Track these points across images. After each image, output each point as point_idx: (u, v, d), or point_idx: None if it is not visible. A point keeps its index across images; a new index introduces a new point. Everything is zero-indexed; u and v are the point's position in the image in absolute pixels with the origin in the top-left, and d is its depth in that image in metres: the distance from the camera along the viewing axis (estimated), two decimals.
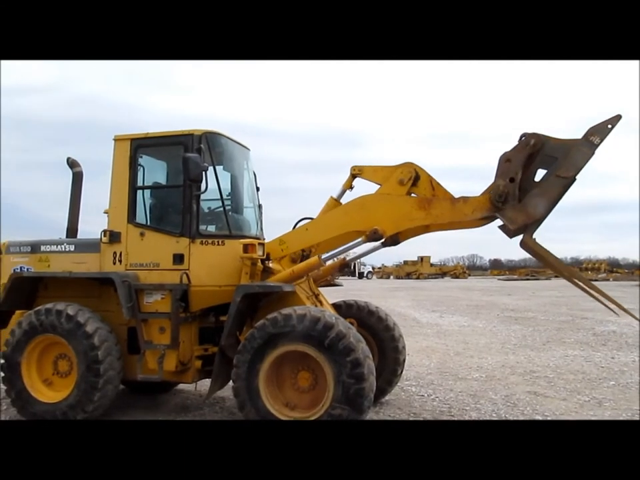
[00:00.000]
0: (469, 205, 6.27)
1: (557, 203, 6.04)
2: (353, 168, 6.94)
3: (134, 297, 6.61)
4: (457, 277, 79.01)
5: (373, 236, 6.48)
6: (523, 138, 6.03)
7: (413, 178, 6.55)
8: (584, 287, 6.35)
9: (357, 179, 7.05)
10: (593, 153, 5.85)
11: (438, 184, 6.57)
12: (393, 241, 6.79)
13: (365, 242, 6.60)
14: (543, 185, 6.01)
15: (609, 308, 6.33)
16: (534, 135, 5.97)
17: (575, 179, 5.93)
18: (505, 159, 6.05)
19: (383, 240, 6.69)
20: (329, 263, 7.17)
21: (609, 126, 5.74)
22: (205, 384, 7.22)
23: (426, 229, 6.78)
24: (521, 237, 6.22)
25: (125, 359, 6.79)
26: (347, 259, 7.27)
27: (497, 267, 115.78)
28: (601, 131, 5.77)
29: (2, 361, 6.85)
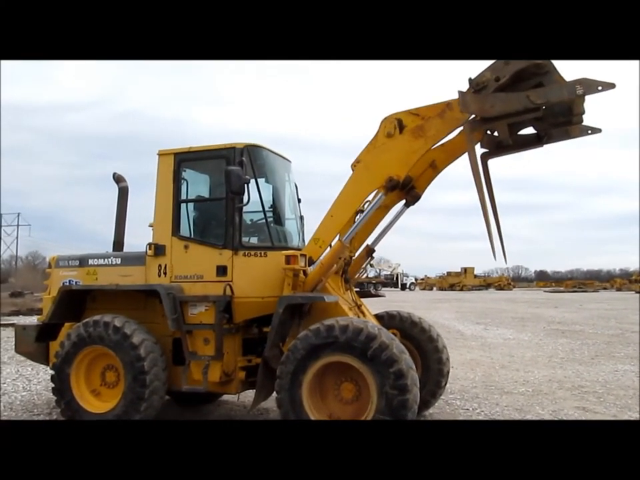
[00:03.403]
0: (455, 109, 6.28)
1: (509, 117, 6.10)
2: (353, 164, 6.87)
3: (179, 309, 6.71)
4: (502, 289, 77.91)
5: (390, 184, 6.55)
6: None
7: (396, 125, 6.58)
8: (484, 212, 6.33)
9: None
10: (569, 99, 5.86)
11: (418, 108, 6.58)
12: (413, 197, 7.21)
13: (385, 194, 6.65)
14: (511, 95, 5.99)
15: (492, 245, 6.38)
16: (547, 62, 5.90)
17: (538, 110, 5.95)
18: (505, 61, 5.98)
19: (405, 201, 7.18)
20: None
21: (599, 87, 5.65)
22: (249, 395, 7.25)
23: (434, 170, 7.07)
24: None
25: (170, 370, 6.88)
26: (369, 244, 7.57)
27: (543, 279, 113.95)
28: (588, 86, 5.70)
29: (52, 372, 7.02)
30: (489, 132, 6.57)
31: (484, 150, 6.77)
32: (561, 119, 6.19)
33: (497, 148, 6.73)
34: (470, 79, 6.13)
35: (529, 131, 6.58)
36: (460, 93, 6.11)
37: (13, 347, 8.33)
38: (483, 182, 6.45)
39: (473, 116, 6.24)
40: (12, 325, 15.14)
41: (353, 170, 6.82)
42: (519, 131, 6.55)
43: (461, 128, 6.43)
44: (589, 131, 6.22)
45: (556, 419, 7.68)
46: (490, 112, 6.04)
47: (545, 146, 6.61)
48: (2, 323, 19.99)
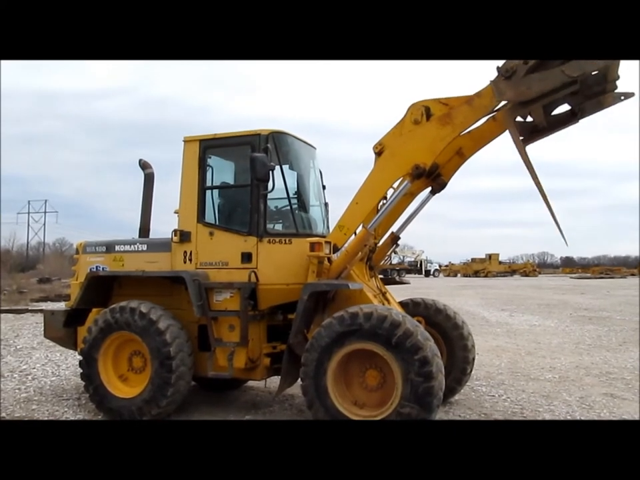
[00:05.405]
0: (484, 96, 6.22)
1: (546, 97, 5.98)
2: (375, 146, 6.77)
3: (204, 296, 6.74)
4: (527, 275, 77.03)
5: (416, 171, 6.47)
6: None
7: (424, 112, 6.50)
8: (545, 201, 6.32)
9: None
10: (605, 66, 5.72)
11: (447, 98, 6.51)
12: (439, 184, 7.18)
13: (411, 182, 6.59)
14: (546, 73, 5.85)
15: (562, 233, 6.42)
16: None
17: (575, 83, 5.79)
18: None
19: (430, 188, 7.18)
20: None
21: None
22: (275, 381, 7.29)
23: (461, 158, 7.04)
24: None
25: (196, 356, 6.93)
26: (394, 231, 7.58)
27: (569, 265, 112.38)
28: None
29: (80, 358, 7.12)
30: (520, 118, 6.47)
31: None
32: (596, 89, 6.10)
33: (532, 133, 6.64)
34: (498, 67, 6.02)
35: (561, 110, 6.48)
36: (492, 82, 6.02)
37: (42, 332, 8.48)
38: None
39: (504, 103, 6.14)
40: (40, 310, 15.40)
41: (375, 152, 6.76)
42: (552, 111, 6.47)
43: (489, 116, 6.33)
44: (622, 97, 6.10)
45: (583, 405, 7.61)
46: (528, 94, 5.92)
47: (575, 132, 6.54)
48: (30, 308, 20.37)
